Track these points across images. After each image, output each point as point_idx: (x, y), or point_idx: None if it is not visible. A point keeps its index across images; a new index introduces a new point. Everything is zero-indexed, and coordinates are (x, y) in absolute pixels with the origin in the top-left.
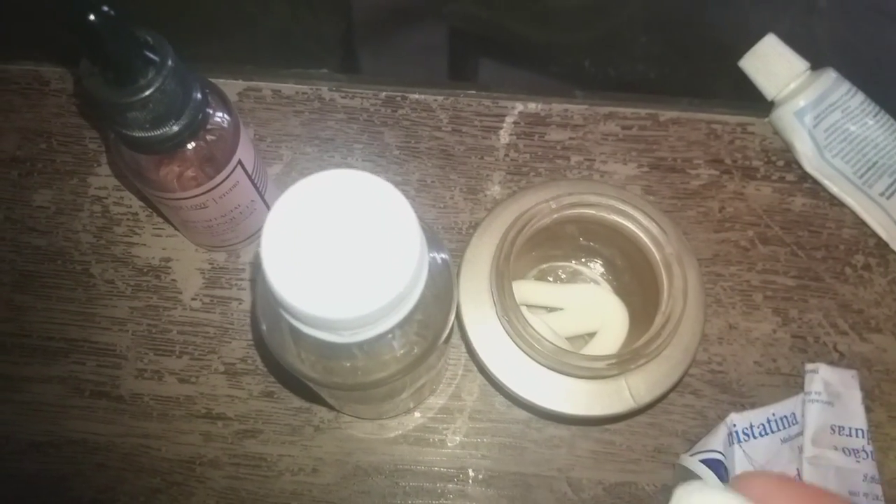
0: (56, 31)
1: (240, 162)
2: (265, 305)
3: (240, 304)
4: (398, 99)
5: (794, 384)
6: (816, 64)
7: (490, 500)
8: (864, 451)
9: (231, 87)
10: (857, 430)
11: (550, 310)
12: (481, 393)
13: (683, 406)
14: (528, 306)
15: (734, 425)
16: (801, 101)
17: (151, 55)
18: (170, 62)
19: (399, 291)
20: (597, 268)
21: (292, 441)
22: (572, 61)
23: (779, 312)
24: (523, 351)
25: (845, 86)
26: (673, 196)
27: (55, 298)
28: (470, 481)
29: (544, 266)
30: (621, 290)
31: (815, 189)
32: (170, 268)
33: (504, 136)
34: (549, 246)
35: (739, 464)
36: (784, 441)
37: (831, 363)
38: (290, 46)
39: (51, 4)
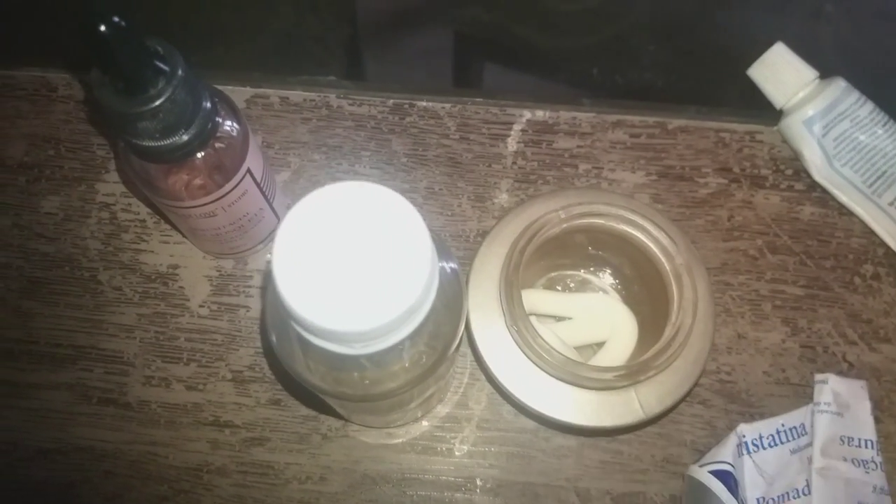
0: (63, 37)
1: (249, 170)
2: (275, 315)
3: (247, 311)
4: (406, 106)
5: (803, 394)
6: (825, 72)
7: None
8: (873, 462)
9: (239, 94)
10: (866, 440)
11: (559, 319)
12: (489, 402)
13: (692, 416)
14: (537, 315)
15: (743, 436)
16: (810, 111)
17: (162, 65)
18: (180, 72)
19: (410, 304)
20: (606, 277)
21: (300, 449)
22: (579, 68)
23: (788, 322)
24: (532, 361)
25: (854, 95)
26: (681, 204)
27: (63, 305)
28: (478, 490)
29: (553, 275)
30: (630, 300)
31: (823, 198)
32: (177, 275)
33: (512, 144)
34: (558, 255)
35: (749, 475)
36: (793, 452)
37: (840, 373)
38: (296, 51)
39: (61, 13)
